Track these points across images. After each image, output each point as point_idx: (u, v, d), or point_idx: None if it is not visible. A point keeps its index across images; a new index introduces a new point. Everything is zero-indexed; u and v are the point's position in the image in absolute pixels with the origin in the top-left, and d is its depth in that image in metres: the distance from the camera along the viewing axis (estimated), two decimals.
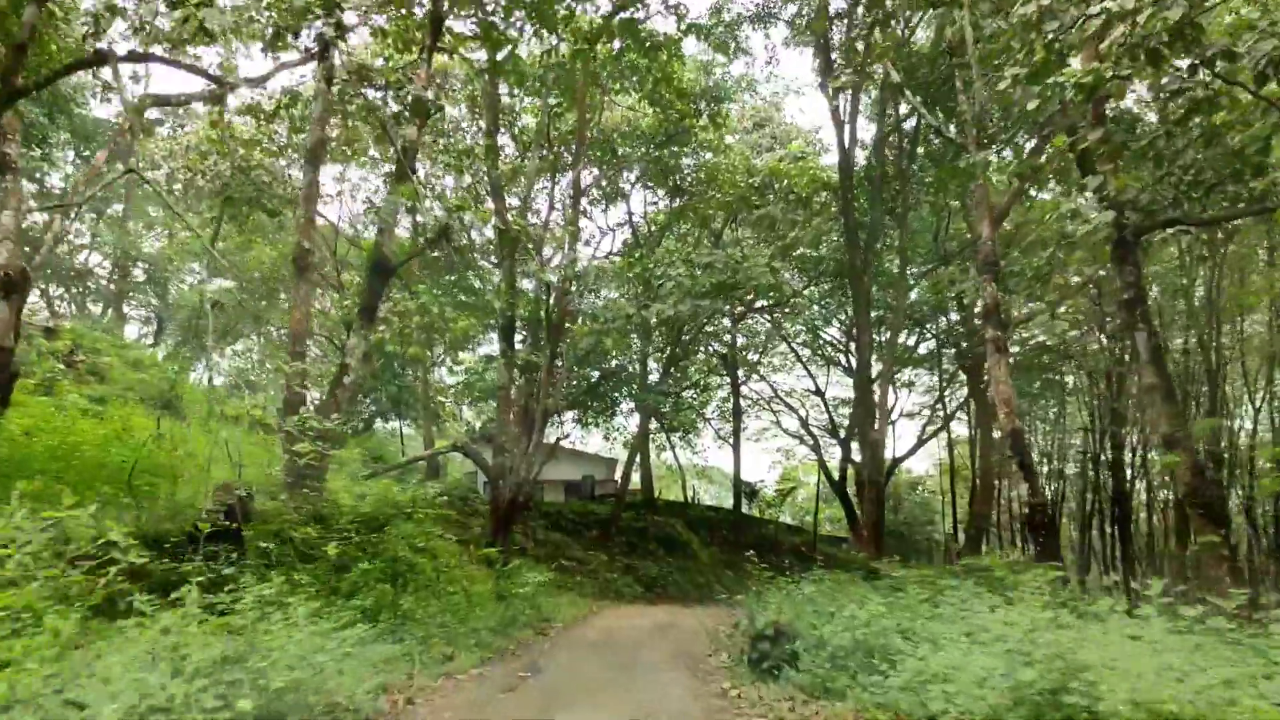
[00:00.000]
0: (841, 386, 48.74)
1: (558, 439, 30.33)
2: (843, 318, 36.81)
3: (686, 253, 17.45)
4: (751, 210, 25.83)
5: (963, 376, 35.55)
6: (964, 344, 30.97)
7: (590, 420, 29.24)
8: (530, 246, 18.33)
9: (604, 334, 17.48)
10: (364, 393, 25.03)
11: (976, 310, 17.02)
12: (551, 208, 22.51)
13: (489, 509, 19.69)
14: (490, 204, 20.53)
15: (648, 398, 27.83)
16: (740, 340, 39.17)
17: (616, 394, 29.71)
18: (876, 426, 20.01)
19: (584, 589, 21.16)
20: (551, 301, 19.61)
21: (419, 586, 11.40)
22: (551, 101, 20.87)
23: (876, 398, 20.74)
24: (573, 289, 18.76)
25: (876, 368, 23.71)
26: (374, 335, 20.66)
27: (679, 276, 17.39)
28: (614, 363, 28.58)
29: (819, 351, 44.69)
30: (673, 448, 43.09)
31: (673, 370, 31.85)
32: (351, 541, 11.49)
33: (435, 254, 20.55)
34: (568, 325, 19.47)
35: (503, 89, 21.95)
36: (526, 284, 20.11)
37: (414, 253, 15.50)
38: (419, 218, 13.89)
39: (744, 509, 39.48)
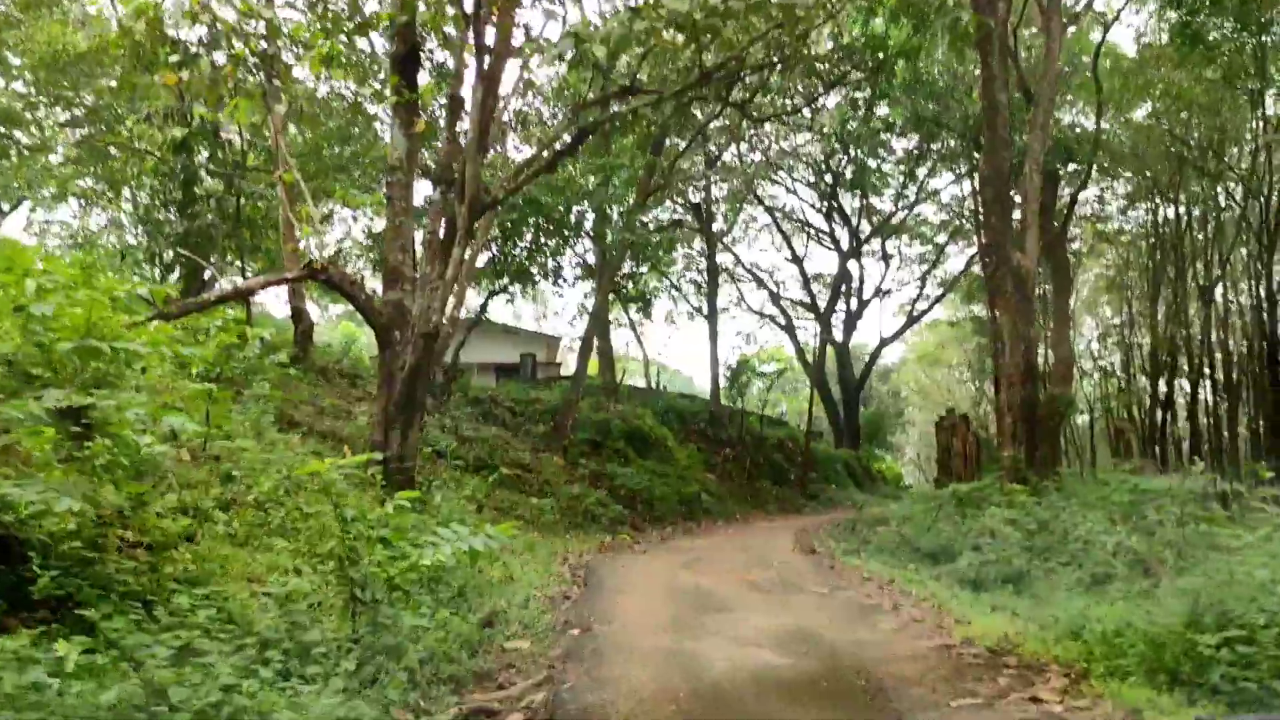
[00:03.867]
0: (815, 262, 41.49)
1: (489, 296, 21.61)
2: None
3: None
4: None
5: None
6: None
7: (540, 267, 20.46)
8: None
9: (584, 42, 8.69)
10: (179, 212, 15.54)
11: None
12: None
13: (378, 384, 11.02)
14: None
15: (623, 236, 19.34)
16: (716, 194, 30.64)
17: (569, 234, 21.04)
18: (1029, 249, 12.00)
19: (542, 516, 13.01)
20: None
21: None
22: None
23: (1022, 190, 12.68)
24: None
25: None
26: (166, 78, 11.31)
27: None
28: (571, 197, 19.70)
29: (803, 221, 37.10)
30: (633, 325, 34.78)
31: (645, 205, 23.17)
32: None
33: None
34: (511, 45, 10.56)
35: None
36: None
37: None
38: None
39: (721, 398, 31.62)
